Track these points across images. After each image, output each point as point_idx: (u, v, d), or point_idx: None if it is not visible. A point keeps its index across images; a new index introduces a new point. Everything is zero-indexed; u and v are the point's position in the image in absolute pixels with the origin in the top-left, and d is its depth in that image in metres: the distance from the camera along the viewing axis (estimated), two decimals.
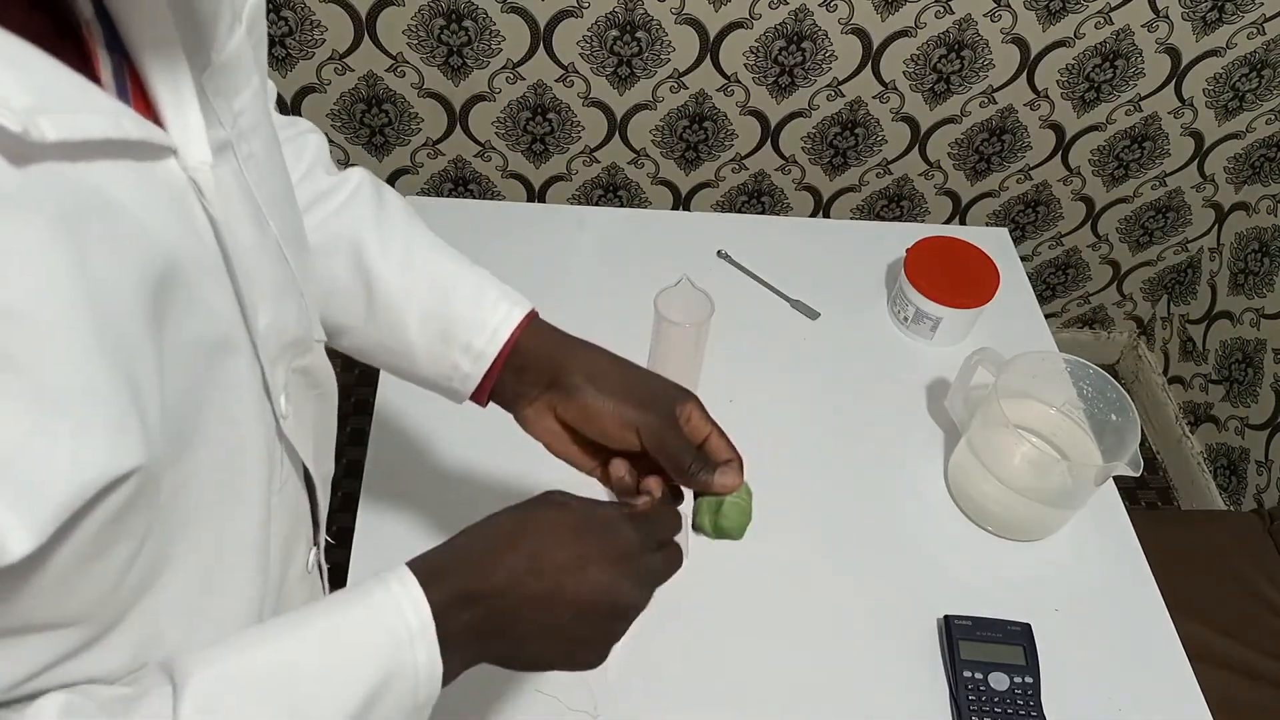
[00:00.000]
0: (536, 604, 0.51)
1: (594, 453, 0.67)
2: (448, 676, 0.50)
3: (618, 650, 0.89)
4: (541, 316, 0.69)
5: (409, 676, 0.48)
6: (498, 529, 0.53)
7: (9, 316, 0.33)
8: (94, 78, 0.40)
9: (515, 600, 0.51)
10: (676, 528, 0.59)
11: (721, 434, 0.65)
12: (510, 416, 0.68)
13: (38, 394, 0.34)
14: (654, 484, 0.64)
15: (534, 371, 0.65)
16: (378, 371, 1.06)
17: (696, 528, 0.64)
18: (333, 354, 0.63)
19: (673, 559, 0.57)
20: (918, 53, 1.61)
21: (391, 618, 0.48)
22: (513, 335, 0.66)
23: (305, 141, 0.69)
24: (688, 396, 0.65)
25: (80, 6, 0.39)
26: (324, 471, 0.65)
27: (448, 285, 0.67)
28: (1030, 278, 1.27)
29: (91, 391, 0.36)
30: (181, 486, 0.44)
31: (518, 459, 0.99)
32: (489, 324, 0.65)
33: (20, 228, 0.34)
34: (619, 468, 0.65)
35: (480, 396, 0.67)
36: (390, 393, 1.04)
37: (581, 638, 0.53)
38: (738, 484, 0.63)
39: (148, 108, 0.42)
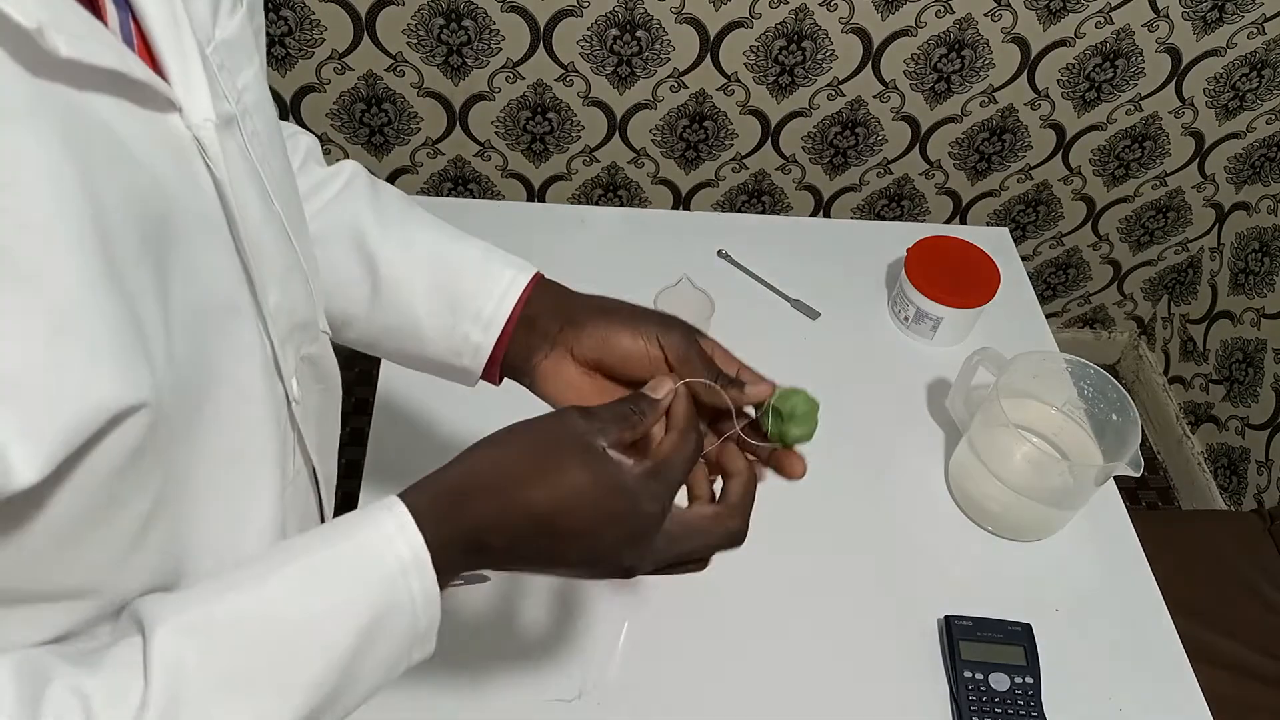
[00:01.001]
0: (541, 559, 0.51)
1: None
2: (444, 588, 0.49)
3: (616, 650, 0.89)
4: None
5: (405, 610, 0.45)
6: (509, 473, 0.50)
7: (23, 228, 0.33)
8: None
9: (519, 553, 0.50)
10: (695, 458, 0.54)
11: (748, 369, 0.62)
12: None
13: (49, 313, 0.34)
14: (663, 383, 0.61)
15: (546, 319, 0.63)
16: (377, 371, 1.06)
17: (780, 442, 0.59)
18: (334, 351, 0.63)
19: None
20: (918, 52, 1.61)
21: (383, 552, 0.45)
22: (521, 298, 0.63)
23: (297, 141, 0.70)
24: (706, 337, 0.63)
25: None
26: (326, 470, 0.65)
27: (452, 258, 0.65)
28: (1031, 277, 1.27)
29: (102, 315, 0.35)
30: (196, 460, 0.44)
31: None
32: (496, 290, 0.63)
33: (33, 137, 0.34)
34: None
35: (493, 370, 0.65)
36: (390, 393, 1.04)
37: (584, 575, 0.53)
38: (768, 389, 0.59)
39: (154, 66, 0.43)
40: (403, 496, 0.48)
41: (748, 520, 0.56)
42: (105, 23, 0.40)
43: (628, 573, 0.52)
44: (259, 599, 0.43)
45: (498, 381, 0.66)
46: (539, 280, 0.65)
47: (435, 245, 0.66)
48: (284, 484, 0.53)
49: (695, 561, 0.55)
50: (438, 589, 0.46)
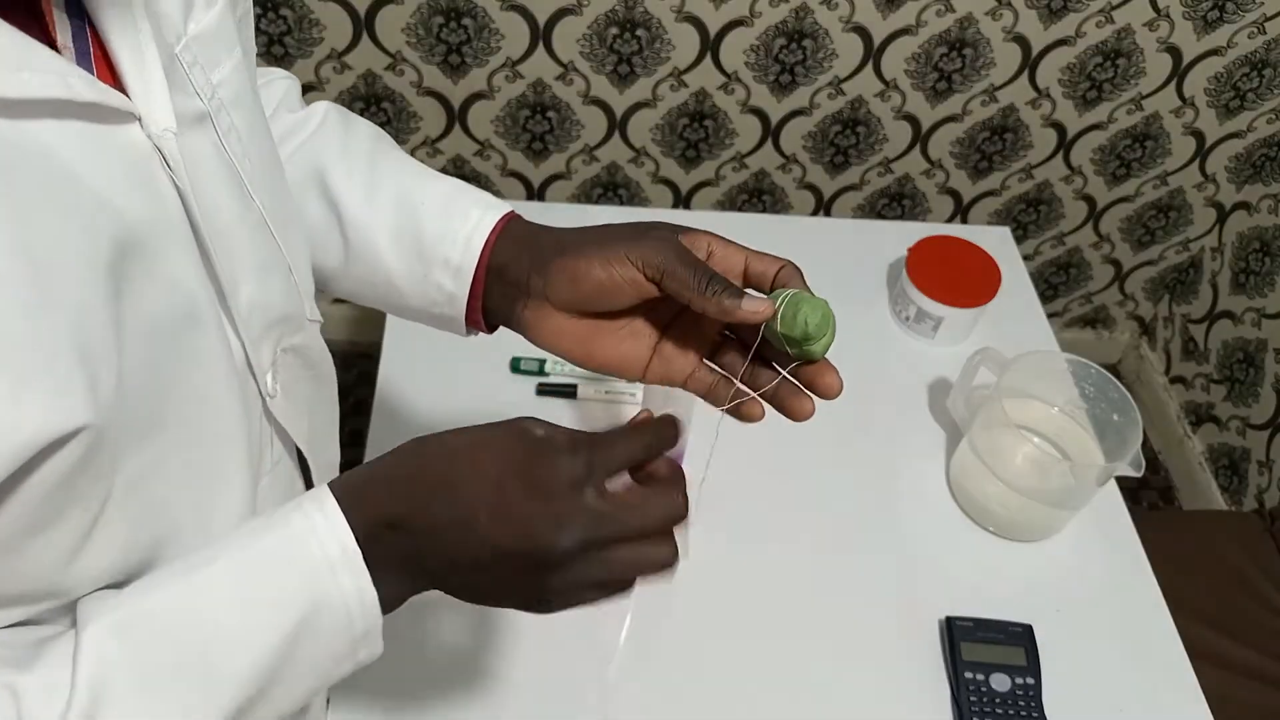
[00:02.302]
0: (453, 537, 0.45)
1: (628, 341, 0.56)
2: (390, 602, 0.46)
3: (617, 649, 0.88)
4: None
5: (337, 608, 0.44)
6: (425, 449, 0.47)
7: None
8: (50, 42, 0.39)
9: (432, 529, 0.45)
10: (644, 451, 0.48)
11: (760, 255, 0.54)
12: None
13: None
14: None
15: (514, 267, 0.56)
16: (377, 371, 1.06)
17: (807, 360, 0.52)
18: (333, 354, 0.62)
19: (635, 510, 0.45)
20: (919, 51, 1.61)
21: (310, 547, 0.43)
22: (488, 241, 0.57)
23: (274, 88, 0.67)
24: (700, 232, 0.55)
25: None
26: (326, 458, 0.64)
27: (415, 199, 0.60)
28: (1032, 277, 1.27)
29: (28, 347, 0.35)
30: (155, 462, 0.44)
31: None
32: (461, 233, 0.57)
33: None
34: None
35: (477, 319, 0.59)
36: (389, 393, 1.04)
37: (509, 582, 0.46)
38: (765, 311, 0.50)
39: (112, 74, 0.42)
40: (331, 485, 0.46)
41: (686, 500, 0.48)
42: (54, 36, 0.39)
43: (554, 561, 0.44)
44: (183, 595, 0.43)
45: (489, 330, 0.61)
46: (509, 221, 0.59)
47: (401, 186, 0.61)
48: (257, 477, 0.53)
49: (624, 562, 0.46)
50: (373, 589, 0.44)
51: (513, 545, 0.44)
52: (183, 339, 0.45)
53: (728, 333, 0.58)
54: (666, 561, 0.46)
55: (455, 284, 0.58)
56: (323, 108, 0.66)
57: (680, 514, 0.47)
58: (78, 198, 0.38)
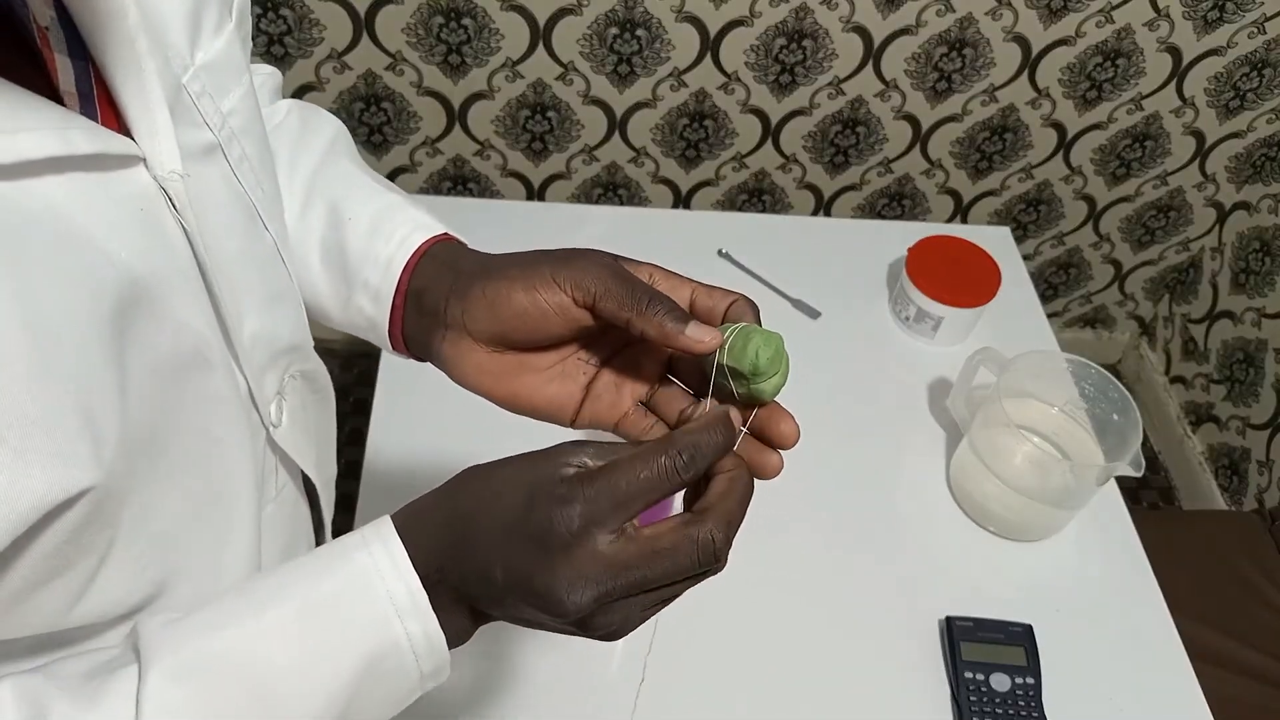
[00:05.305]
0: (481, 587, 0.42)
1: (556, 383, 0.50)
2: (456, 637, 0.44)
3: (617, 650, 0.88)
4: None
5: (405, 652, 0.42)
6: (460, 489, 0.44)
7: None
8: (53, 86, 0.38)
9: (464, 579, 0.42)
10: (664, 477, 0.41)
11: (710, 288, 0.48)
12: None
13: None
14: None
15: (433, 293, 0.50)
16: (377, 371, 1.06)
17: (757, 401, 0.47)
18: (332, 354, 0.62)
19: (629, 550, 0.40)
20: (919, 51, 1.61)
21: (377, 592, 0.41)
22: (409, 263, 0.52)
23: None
24: (641, 262, 0.49)
25: (37, 12, 0.37)
26: (326, 474, 0.63)
27: (346, 214, 0.55)
28: (1032, 277, 1.27)
29: (30, 415, 0.34)
30: (160, 503, 0.43)
31: None
32: (383, 254, 0.52)
33: None
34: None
35: (402, 349, 0.54)
36: (389, 393, 1.04)
37: (545, 625, 0.43)
38: (712, 342, 0.45)
39: (119, 114, 0.40)
40: (394, 520, 0.43)
41: (728, 529, 0.42)
42: (56, 82, 0.38)
43: (568, 606, 0.40)
44: (248, 639, 0.41)
45: (419, 359, 0.56)
46: (437, 243, 0.53)
47: (337, 198, 0.56)
48: (262, 504, 0.52)
49: (664, 589, 0.42)
50: (440, 632, 0.42)
51: (529, 602, 0.41)
52: (189, 379, 0.44)
53: (670, 378, 0.52)
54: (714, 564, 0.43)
55: (375, 309, 0.53)
56: (286, 106, 0.63)
57: (710, 558, 0.42)
58: (81, 255, 0.37)
